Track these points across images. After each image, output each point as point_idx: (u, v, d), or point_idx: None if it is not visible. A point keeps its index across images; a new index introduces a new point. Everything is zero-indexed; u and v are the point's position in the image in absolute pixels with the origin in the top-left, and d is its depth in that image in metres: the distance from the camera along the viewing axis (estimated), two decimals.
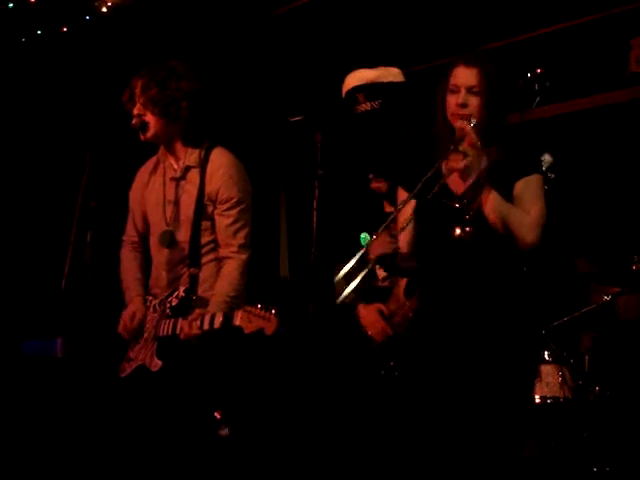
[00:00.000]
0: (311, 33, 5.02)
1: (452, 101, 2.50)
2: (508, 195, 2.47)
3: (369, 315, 3.69)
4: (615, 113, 4.63)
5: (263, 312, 2.73)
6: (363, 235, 3.80)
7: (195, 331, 2.85)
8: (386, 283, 3.79)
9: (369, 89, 3.46)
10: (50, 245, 4.47)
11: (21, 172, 5.06)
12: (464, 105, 2.47)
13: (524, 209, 2.45)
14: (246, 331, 2.74)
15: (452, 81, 2.50)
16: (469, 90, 2.47)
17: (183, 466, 2.89)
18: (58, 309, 3.82)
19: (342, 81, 3.67)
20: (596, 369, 4.01)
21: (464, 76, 2.48)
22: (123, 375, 3.07)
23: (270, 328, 2.71)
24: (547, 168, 3.74)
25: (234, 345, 2.92)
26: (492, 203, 2.41)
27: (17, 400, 4.15)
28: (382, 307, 3.68)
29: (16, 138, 5.06)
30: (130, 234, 3.30)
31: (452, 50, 2.60)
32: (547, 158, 3.74)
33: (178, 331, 2.91)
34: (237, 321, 2.78)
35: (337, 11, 4.80)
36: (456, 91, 2.49)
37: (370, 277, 3.83)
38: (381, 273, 3.82)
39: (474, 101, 2.47)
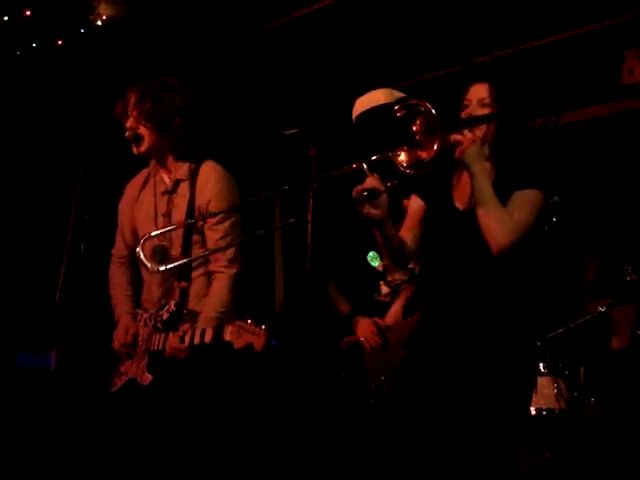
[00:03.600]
0: (305, 46, 5.03)
1: (463, 114, 2.55)
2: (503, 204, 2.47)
3: (366, 328, 3.71)
4: (607, 125, 4.64)
5: (253, 327, 2.71)
6: (371, 254, 3.81)
7: (180, 345, 2.85)
8: (387, 299, 3.80)
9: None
10: (44, 258, 4.46)
11: (15, 184, 5.06)
12: (472, 115, 2.52)
13: (509, 214, 2.42)
14: (236, 346, 2.73)
15: (466, 97, 2.57)
16: (479, 102, 2.53)
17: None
18: (52, 322, 3.81)
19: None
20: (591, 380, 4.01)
21: (475, 91, 2.55)
22: (114, 390, 3.05)
23: (259, 344, 2.70)
24: (552, 209, 3.75)
25: (224, 360, 2.90)
26: (477, 180, 2.42)
27: (11, 413, 4.13)
28: (379, 321, 3.69)
29: (10, 150, 5.06)
30: (119, 248, 3.28)
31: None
32: (554, 199, 3.75)
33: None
34: (227, 336, 2.76)
35: (330, 25, 4.82)
36: (468, 105, 2.55)
37: (372, 292, 3.84)
38: (384, 289, 3.84)
39: (483, 112, 2.52)
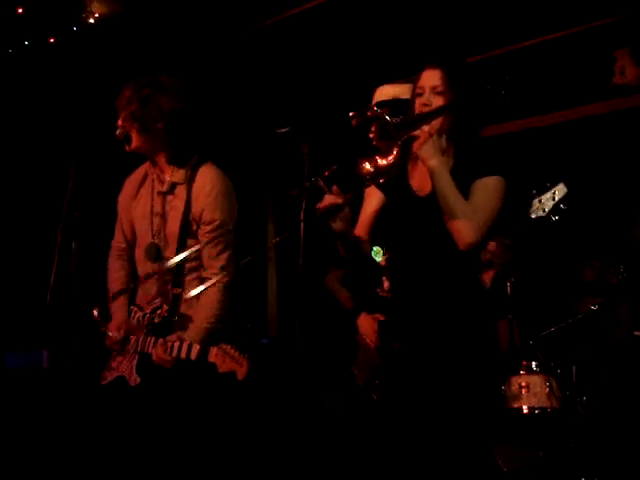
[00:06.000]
0: (298, 45, 5.04)
1: (417, 103, 2.49)
2: (465, 195, 2.43)
3: (368, 324, 3.69)
4: (598, 125, 4.66)
5: (237, 355, 2.71)
6: (375, 248, 3.79)
7: (165, 356, 2.86)
8: (390, 294, 3.79)
9: (391, 105, 3.43)
10: (35, 256, 4.44)
11: (5, 182, 5.04)
12: (427, 104, 2.46)
13: (474, 208, 2.39)
14: (219, 370, 2.73)
15: (418, 84, 2.51)
16: (432, 90, 2.47)
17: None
18: (43, 320, 3.80)
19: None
20: (584, 379, 4.02)
21: (428, 77, 2.49)
22: (104, 383, 3.06)
23: (241, 373, 2.70)
24: (560, 199, 3.74)
25: (208, 379, 2.87)
26: (437, 175, 2.38)
27: (1, 412, 4.11)
28: (382, 317, 3.68)
29: (0, 148, 5.04)
30: (118, 240, 3.28)
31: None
32: (561, 187, 3.73)
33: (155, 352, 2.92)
34: (212, 358, 2.76)
35: (323, 24, 4.83)
36: (422, 93, 2.49)
37: (374, 286, 3.83)
38: (386, 284, 3.82)
39: (437, 100, 2.46)
